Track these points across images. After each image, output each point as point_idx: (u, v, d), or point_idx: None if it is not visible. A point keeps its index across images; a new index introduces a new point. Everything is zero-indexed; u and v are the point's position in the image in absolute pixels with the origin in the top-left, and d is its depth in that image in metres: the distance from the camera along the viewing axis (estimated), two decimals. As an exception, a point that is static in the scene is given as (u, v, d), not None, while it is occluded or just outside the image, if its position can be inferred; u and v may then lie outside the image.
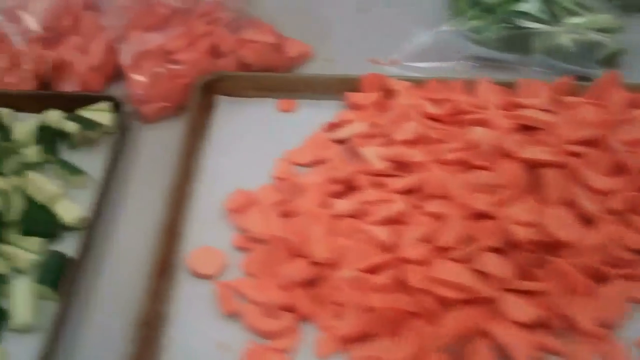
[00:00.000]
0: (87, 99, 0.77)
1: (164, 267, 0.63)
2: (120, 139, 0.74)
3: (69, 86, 0.80)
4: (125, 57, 0.79)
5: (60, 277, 0.63)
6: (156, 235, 0.64)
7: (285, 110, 0.78)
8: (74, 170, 0.72)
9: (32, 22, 0.80)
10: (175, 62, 0.78)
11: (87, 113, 0.76)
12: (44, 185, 0.69)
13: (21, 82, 0.80)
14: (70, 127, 0.73)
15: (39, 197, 0.68)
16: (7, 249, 0.65)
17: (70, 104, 0.77)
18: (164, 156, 0.74)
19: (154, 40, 0.79)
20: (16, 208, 0.67)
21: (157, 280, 0.62)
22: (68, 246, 0.66)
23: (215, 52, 0.79)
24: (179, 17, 0.82)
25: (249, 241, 0.66)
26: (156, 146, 0.76)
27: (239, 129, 0.76)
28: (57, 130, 0.74)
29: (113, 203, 0.71)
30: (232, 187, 0.70)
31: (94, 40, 0.81)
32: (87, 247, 0.66)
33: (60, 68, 0.80)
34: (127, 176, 0.74)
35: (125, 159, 0.74)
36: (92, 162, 0.73)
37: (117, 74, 0.82)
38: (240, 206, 0.68)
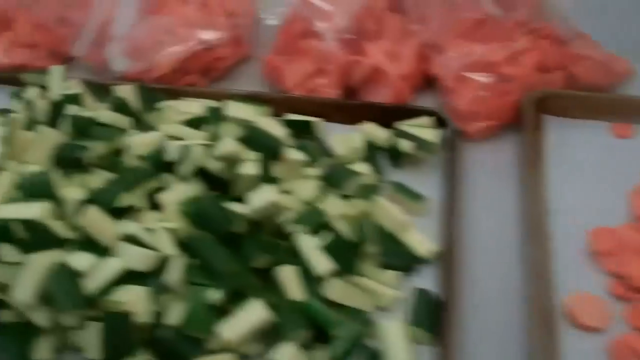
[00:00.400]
0: (406, 113, 0.71)
1: (542, 317, 0.58)
2: (451, 160, 0.68)
3: (379, 96, 0.73)
4: (445, 68, 0.72)
5: (435, 320, 0.58)
6: (528, 279, 0.59)
7: (622, 136, 0.71)
8: (412, 195, 0.66)
9: (342, 23, 0.74)
10: (501, 76, 0.71)
11: (408, 128, 0.69)
12: (394, 212, 0.63)
13: (324, 87, 0.74)
14: (404, 145, 0.68)
15: (389, 226, 0.63)
16: (368, 283, 0.60)
17: (383, 116, 0.71)
18: (496, 180, 0.69)
19: (477, 52, 0.72)
20: (372, 238, 0.61)
21: (539, 333, 0.57)
22: (422, 282, 0.61)
23: (540, 67, 0.73)
24: (492, 26, 0.75)
25: (629, 290, 0.60)
26: (485, 169, 0.70)
27: (574, 154, 0.70)
28: (382, 147, 0.69)
29: (459, 233, 0.65)
30: (581, 222, 0.64)
31: (402, 47, 0.75)
32: (450, 285, 0.60)
33: (371, 75, 0.73)
34: (465, 202, 0.68)
35: (459, 182, 0.68)
36: (419, 184, 0.67)
37: (424, 84, 0.76)
38: (608, 248, 0.62)
